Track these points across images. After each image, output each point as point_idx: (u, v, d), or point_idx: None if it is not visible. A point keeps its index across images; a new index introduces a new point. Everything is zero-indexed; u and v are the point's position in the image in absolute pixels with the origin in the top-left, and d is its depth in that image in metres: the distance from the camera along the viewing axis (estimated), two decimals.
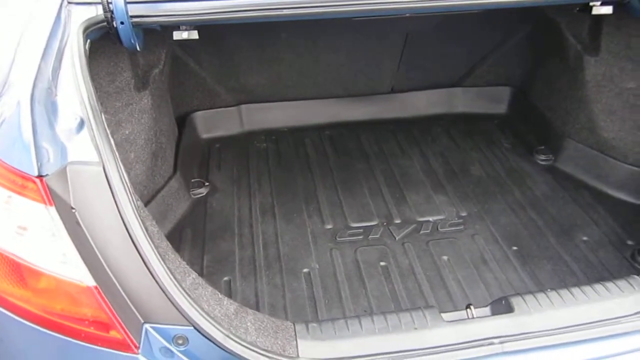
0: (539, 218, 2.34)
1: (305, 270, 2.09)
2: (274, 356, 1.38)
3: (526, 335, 1.48)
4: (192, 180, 2.55)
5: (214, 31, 2.55)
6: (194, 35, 1.87)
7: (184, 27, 1.86)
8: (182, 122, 2.80)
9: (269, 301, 1.96)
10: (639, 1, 2.03)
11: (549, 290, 1.62)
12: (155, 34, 2.12)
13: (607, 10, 2.03)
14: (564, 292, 1.59)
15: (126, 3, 1.63)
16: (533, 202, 2.44)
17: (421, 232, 2.28)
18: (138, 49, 1.78)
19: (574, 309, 1.54)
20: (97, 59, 2.01)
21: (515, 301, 1.57)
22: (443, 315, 1.56)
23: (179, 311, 1.30)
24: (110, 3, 1.62)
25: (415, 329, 1.49)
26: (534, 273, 2.07)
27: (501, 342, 1.46)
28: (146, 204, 2.20)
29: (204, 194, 2.50)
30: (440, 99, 3.10)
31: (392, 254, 2.17)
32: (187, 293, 1.33)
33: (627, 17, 2.20)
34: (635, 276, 1.64)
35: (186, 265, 1.42)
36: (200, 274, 2.06)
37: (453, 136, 2.91)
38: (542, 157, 2.71)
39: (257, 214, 2.38)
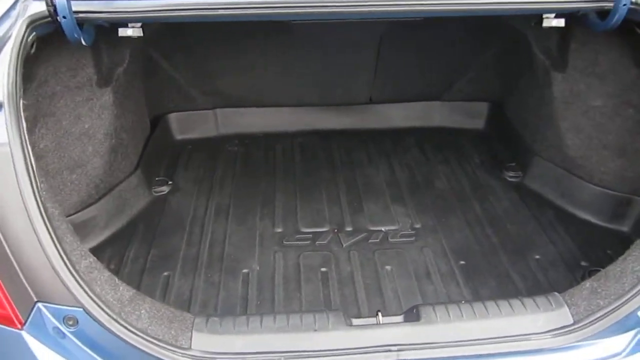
0: (495, 235, 2.29)
1: (245, 270, 2.10)
2: (164, 345, 1.40)
3: (426, 345, 1.45)
4: (157, 179, 2.60)
5: (187, 34, 2.62)
6: (138, 32, 1.93)
7: (131, 25, 1.93)
8: (158, 122, 2.88)
9: (202, 298, 1.98)
10: (597, 14, 1.98)
11: (463, 302, 1.59)
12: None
13: (559, 22, 1.99)
14: (477, 305, 1.55)
15: None
16: (492, 218, 2.39)
17: (370, 241, 2.26)
18: (84, 43, 1.85)
19: (482, 323, 1.51)
20: (60, 54, 2.09)
21: (425, 311, 1.54)
22: (348, 319, 1.54)
23: (69, 291, 1.34)
24: None
25: (315, 330, 1.48)
26: (476, 289, 2.02)
27: (398, 350, 1.44)
28: (102, 196, 2.26)
29: (165, 192, 2.55)
30: (418, 112, 3.08)
31: (335, 260, 2.15)
32: (79, 275, 1.36)
33: (593, 32, 2.15)
34: (556, 293, 1.59)
35: (85, 249, 1.45)
36: (143, 268, 2.10)
37: (425, 149, 2.89)
38: (511, 173, 2.65)
39: (211, 214, 2.40)
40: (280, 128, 3.02)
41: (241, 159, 2.82)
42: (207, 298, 1.98)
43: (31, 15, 1.70)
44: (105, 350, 1.40)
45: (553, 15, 1.99)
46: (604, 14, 1.92)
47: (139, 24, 1.93)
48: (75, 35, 1.78)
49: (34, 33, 1.72)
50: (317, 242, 2.25)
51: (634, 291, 1.46)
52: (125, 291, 1.45)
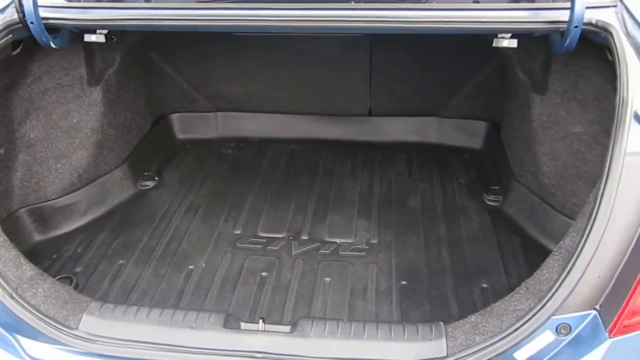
0: (449, 257, 2.21)
1: (191, 267, 2.20)
2: (52, 323, 1.53)
3: (288, 356, 1.46)
4: (145, 174, 2.78)
5: (185, 39, 2.78)
6: (101, 39, 2.11)
7: (98, 31, 2.11)
8: (161, 121, 3.07)
9: (143, 288, 2.10)
10: (561, 34, 1.85)
11: (345, 320, 1.58)
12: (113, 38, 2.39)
13: (511, 43, 1.89)
14: (357, 324, 1.55)
15: (36, 6, 1.90)
16: (454, 240, 2.30)
17: (320, 251, 2.27)
18: (53, 46, 2.05)
19: (354, 343, 1.50)
20: (53, 54, 2.33)
21: (303, 324, 1.55)
22: (235, 322, 1.59)
23: None
24: (23, 5, 1.91)
25: (191, 328, 1.55)
26: (406, 311, 1.97)
27: (262, 358, 1.46)
28: (84, 186, 2.47)
29: (149, 187, 2.72)
30: (416, 127, 3.02)
31: (279, 267, 2.19)
32: None
33: (577, 54, 2.01)
34: (441, 323, 1.53)
35: None
36: (104, 254, 2.28)
37: (412, 165, 2.83)
38: (492, 197, 2.53)
39: (182, 212, 2.53)
40: (278, 134, 3.10)
41: (230, 162, 2.93)
42: (148, 288, 2.10)
43: (8, 21, 1.93)
44: (5, 322, 1.57)
45: (509, 35, 1.89)
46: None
47: (105, 31, 2.11)
48: (44, 39, 1.99)
49: (10, 36, 1.95)
50: (268, 248, 2.30)
51: (511, 329, 1.37)
52: (28, 270, 1.61)
